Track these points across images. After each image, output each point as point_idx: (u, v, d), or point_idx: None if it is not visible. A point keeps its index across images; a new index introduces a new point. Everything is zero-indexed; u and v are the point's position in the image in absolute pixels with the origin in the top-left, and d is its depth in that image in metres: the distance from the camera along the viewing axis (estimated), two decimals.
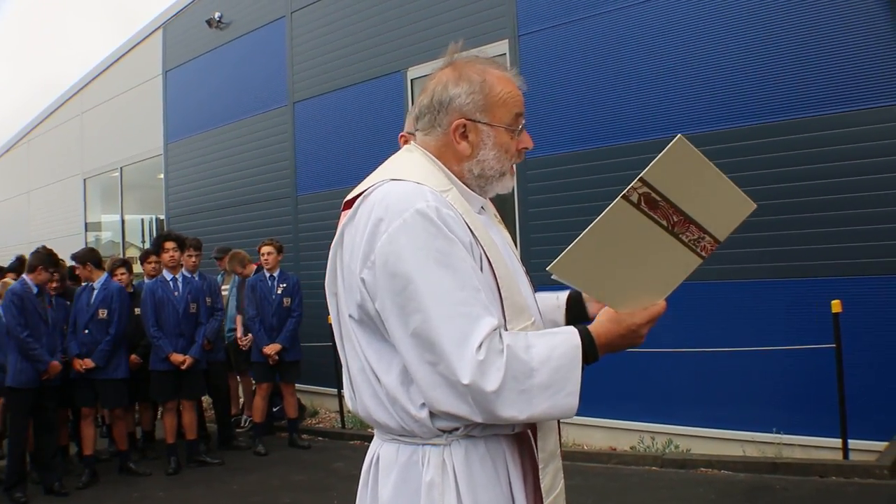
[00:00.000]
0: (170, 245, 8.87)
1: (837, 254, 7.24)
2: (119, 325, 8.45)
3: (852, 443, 6.99)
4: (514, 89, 2.27)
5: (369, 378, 2.10)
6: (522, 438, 2.16)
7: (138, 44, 16.25)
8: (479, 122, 2.21)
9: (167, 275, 8.84)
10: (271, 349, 9.31)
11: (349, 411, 10.32)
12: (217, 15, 13.66)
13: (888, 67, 7.06)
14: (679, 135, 1.90)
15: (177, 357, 8.58)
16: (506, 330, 2.01)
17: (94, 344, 8.28)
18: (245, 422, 10.64)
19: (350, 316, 2.11)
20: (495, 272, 2.06)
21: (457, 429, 2.04)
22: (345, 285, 2.12)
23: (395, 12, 10.86)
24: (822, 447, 7.21)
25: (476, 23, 9.82)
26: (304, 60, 12.20)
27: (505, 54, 9.44)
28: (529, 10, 9.36)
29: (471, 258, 2.00)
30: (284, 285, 9.59)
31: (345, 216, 2.16)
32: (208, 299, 9.18)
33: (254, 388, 10.23)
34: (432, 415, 2.02)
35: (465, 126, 2.20)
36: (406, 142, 3.86)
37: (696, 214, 2.03)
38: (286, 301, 9.54)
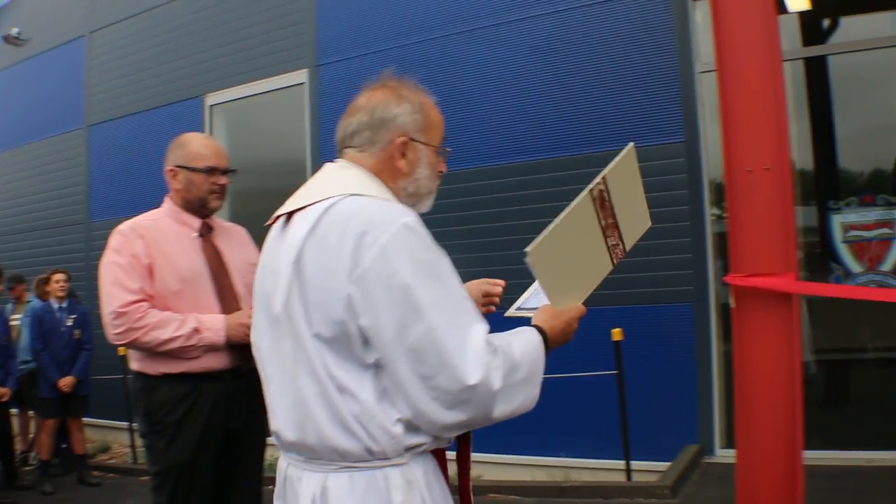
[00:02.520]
0: None
1: (617, 284, 7.55)
2: None
3: (636, 464, 7.26)
4: (440, 115, 2.42)
5: (333, 400, 2.02)
6: (442, 449, 2.20)
7: None
8: (418, 141, 2.28)
9: None
10: (66, 383, 8.94)
11: (140, 446, 10.05)
12: (15, 31, 13.12)
13: (673, 107, 7.49)
14: (631, 143, 2.15)
15: None
16: None
17: None
18: (33, 459, 10.22)
19: (316, 335, 2.02)
20: None
21: (421, 444, 2.06)
22: (311, 303, 2.04)
23: (195, 37, 10.75)
24: (608, 469, 7.49)
25: (276, 51, 9.87)
26: (102, 82, 11.90)
27: (304, 83, 9.53)
28: (328, 41, 9.47)
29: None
30: (74, 316, 9.19)
31: (296, 232, 2.12)
32: None
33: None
34: (406, 430, 2.02)
35: (405, 144, 2.25)
36: (175, 175, 3.88)
37: (621, 221, 2.20)
38: (76, 333, 9.17)
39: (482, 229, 8.25)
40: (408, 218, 2.04)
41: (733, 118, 4.32)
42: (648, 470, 7.30)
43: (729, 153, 4.31)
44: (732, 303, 4.38)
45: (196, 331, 3.60)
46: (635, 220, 2.26)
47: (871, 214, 7.17)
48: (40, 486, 9.00)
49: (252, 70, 10.13)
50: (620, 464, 7.33)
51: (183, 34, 10.91)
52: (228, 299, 3.74)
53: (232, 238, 4.04)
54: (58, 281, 9.15)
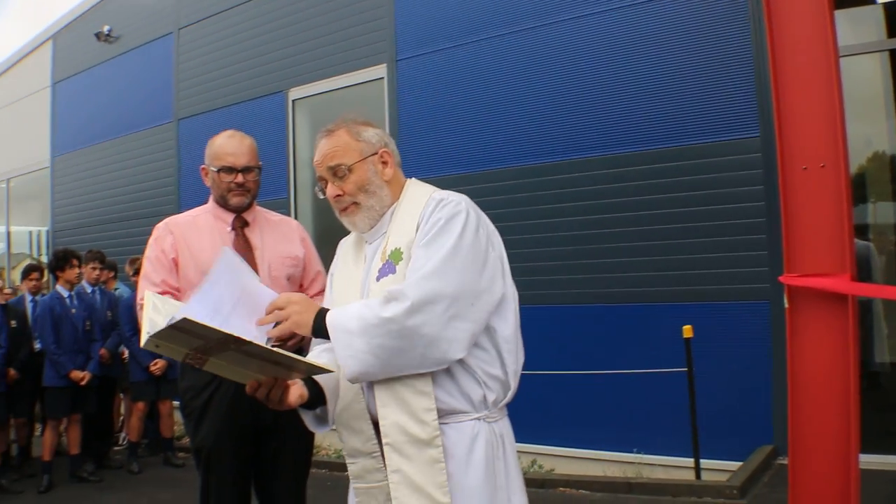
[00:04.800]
0: (76, 262, 8.91)
1: (690, 280, 7.50)
2: (5, 338, 8.49)
3: (707, 462, 7.18)
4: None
5: None
6: None
7: (28, 54, 16.04)
8: None
9: (63, 291, 8.75)
10: (158, 367, 9.19)
11: None
12: (106, 28, 13.55)
13: (748, 101, 7.35)
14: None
15: (76, 374, 8.52)
16: None
17: None
18: (123, 440, 10.53)
19: None
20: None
21: None
22: None
23: (278, 33, 10.97)
24: (679, 467, 7.41)
25: (356, 46, 10.03)
26: (190, 77, 12.22)
27: (383, 78, 9.68)
28: (408, 36, 9.56)
29: None
30: None
31: None
32: (108, 313, 9.30)
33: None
34: None
35: None
36: (206, 174, 4.03)
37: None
38: None
39: (563, 223, 8.23)
40: None
41: (788, 115, 4.24)
42: (721, 469, 7.21)
43: (784, 150, 4.23)
44: (786, 303, 4.30)
45: None
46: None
47: None
48: (128, 466, 9.34)
49: (333, 65, 10.30)
50: (689, 462, 7.26)
51: (267, 31, 11.15)
52: None
53: (276, 231, 4.13)
54: None
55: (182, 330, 2.14)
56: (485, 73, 8.85)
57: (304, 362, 2.28)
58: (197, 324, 2.11)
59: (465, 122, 9.01)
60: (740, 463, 7.09)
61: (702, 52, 7.57)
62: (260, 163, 4.01)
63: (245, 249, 3.93)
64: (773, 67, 4.28)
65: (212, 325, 2.15)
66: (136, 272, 9.44)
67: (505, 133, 8.66)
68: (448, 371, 2.48)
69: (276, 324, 2.49)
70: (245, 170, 3.92)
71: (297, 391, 2.44)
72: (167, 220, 4.04)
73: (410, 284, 2.40)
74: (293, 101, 10.72)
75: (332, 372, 2.36)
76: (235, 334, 2.16)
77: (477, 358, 2.51)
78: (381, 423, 2.48)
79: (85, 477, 8.80)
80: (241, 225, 4.00)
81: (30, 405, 9.40)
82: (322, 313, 2.47)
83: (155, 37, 12.90)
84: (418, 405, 2.44)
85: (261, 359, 2.25)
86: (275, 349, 2.23)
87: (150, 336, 2.22)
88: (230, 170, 3.89)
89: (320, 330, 2.44)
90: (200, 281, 3.80)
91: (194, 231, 3.95)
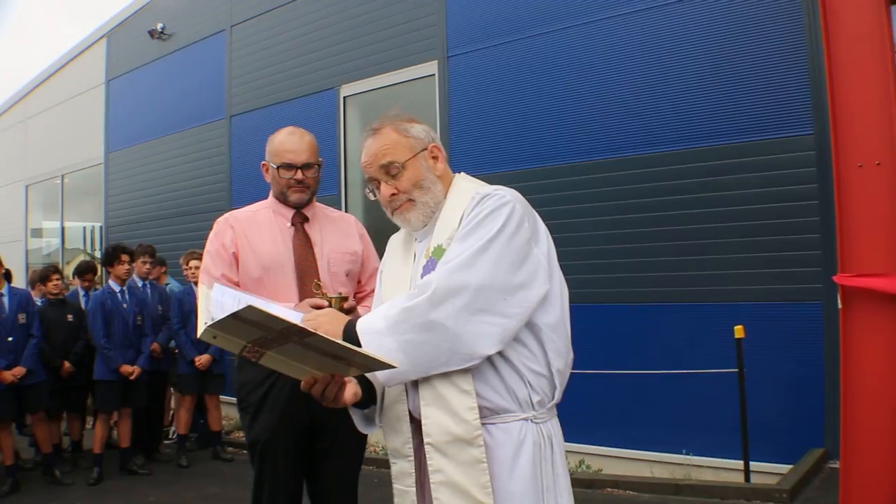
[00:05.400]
0: (125, 258, 8.99)
1: (741, 280, 7.40)
2: (38, 328, 8.52)
3: (757, 465, 7.09)
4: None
5: None
6: None
7: (83, 52, 16.26)
8: None
9: (114, 286, 8.86)
10: (203, 361, 9.26)
11: None
12: (160, 26, 13.72)
13: (801, 98, 7.24)
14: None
15: (126, 368, 8.62)
16: None
17: (18, 351, 8.25)
18: (172, 433, 10.62)
19: None
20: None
21: None
22: None
23: (330, 30, 11.01)
24: (728, 469, 7.32)
25: (407, 43, 10.03)
26: (242, 74, 12.32)
27: (434, 75, 9.67)
28: (459, 32, 9.54)
29: None
30: None
31: None
32: (159, 307, 9.41)
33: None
34: None
35: None
36: (266, 171, 4.08)
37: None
38: None
39: (616, 220, 8.17)
40: None
41: (843, 111, 4.18)
42: (771, 472, 7.12)
43: (838, 148, 4.18)
44: (840, 304, 4.24)
45: None
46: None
47: None
48: (177, 460, 9.42)
49: (385, 62, 10.31)
50: (738, 464, 7.17)
51: (318, 27, 11.20)
52: (308, 287, 3.82)
53: (335, 227, 4.16)
54: (190, 267, 9.47)
55: (243, 320, 2.09)
56: (535, 70, 8.80)
57: (365, 355, 2.23)
58: (261, 312, 2.05)
59: (516, 119, 8.97)
60: (791, 466, 7.00)
61: (754, 48, 7.47)
62: (320, 159, 4.03)
63: (304, 245, 3.98)
64: (829, 63, 4.22)
65: (276, 315, 2.10)
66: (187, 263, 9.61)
67: (560, 129, 8.60)
68: (492, 366, 2.44)
69: None
70: (305, 166, 3.93)
71: (351, 389, 2.43)
72: (227, 214, 4.08)
73: (437, 275, 2.38)
74: (344, 97, 10.74)
75: (394, 367, 2.28)
76: (300, 325, 2.13)
77: (520, 354, 2.46)
78: (423, 422, 2.45)
79: (135, 470, 8.89)
80: (300, 221, 4.03)
81: (82, 399, 9.51)
82: (352, 323, 2.46)
83: (208, 34, 13.02)
84: (460, 404, 2.41)
85: (320, 353, 2.22)
86: (337, 341, 2.19)
87: (209, 326, 2.18)
88: (290, 166, 3.91)
89: (351, 338, 2.40)
90: (260, 276, 3.86)
91: (254, 226, 3.98)
